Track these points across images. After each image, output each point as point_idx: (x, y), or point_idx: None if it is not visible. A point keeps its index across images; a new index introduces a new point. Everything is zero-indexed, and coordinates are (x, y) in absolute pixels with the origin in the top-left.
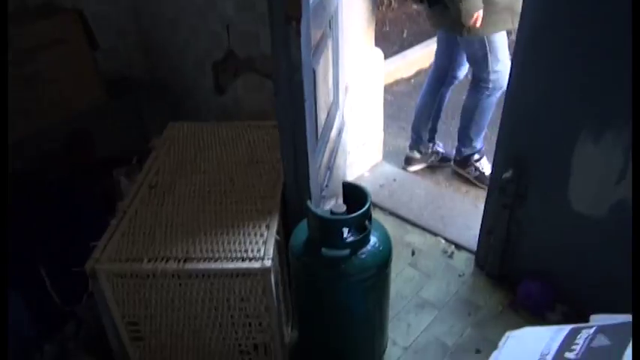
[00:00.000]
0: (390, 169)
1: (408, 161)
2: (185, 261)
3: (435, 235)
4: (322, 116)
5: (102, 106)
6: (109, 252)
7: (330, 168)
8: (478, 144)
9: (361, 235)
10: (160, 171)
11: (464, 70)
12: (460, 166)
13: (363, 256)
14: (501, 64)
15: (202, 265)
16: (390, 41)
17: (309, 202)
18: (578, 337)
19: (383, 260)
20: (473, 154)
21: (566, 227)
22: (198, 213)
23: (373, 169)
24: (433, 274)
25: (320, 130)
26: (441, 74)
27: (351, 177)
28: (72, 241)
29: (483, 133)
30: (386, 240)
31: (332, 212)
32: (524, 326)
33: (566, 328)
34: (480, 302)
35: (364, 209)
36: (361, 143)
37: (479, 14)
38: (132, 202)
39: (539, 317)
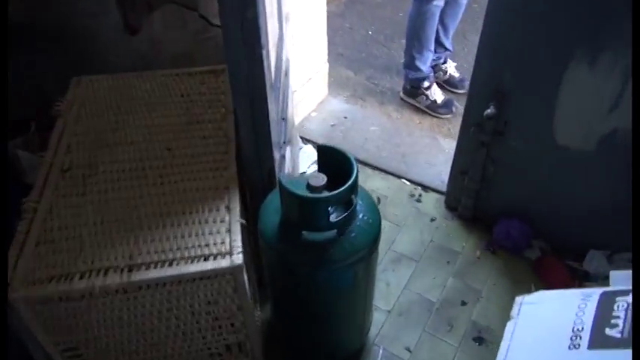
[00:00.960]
0: (339, 105)
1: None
2: (130, 270)
3: (399, 177)
4: (273, 58)
5: None
6: (23, 271)
7: (284, 118)
8: (424, 67)
9: (348, 211)
10: (72, 147)
11: None
12: (410, 96)
13: (353, 234)
14: None
15: (154, 273)
16: None
17: (282, 177)
18: (615, 307)
19: (374, 235)
20: (421, 80)
21: (548, 163)
22: (135, 200)
23: (320, 107)
24: (403, 222)
25: (273, 77)
26: None
27: (298, 119)
28: None
29: (429, 56)
30: (374, 210)
31: (309, 185)
32: (504, 267)
33: (593, 295)
34: (456, 248)
35: (352, 181)
36: (306, 79)
37: None
38: (42, 195)
39: (517, 255)
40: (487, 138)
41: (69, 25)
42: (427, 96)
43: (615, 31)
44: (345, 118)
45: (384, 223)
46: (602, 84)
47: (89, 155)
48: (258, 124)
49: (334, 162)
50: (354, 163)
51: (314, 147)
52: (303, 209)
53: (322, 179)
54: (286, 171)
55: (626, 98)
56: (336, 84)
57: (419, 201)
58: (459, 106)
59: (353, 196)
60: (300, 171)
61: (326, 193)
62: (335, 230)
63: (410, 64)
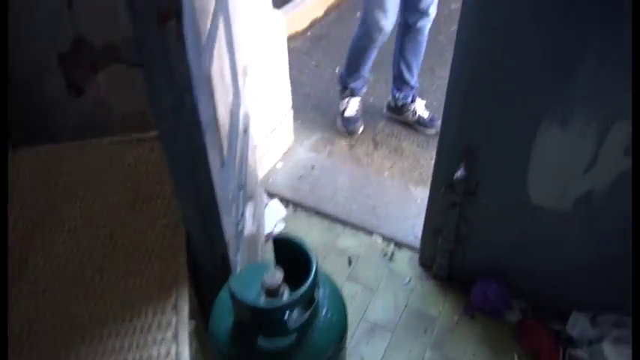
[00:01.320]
0: (306, 153)
1: None
2: None
3: (370, 233)
4: (225, 127)
5: None
6: None
7: (242, 186)
8: (352, 85)
9: (309, 310)
10: None
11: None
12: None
13: (316, 335)
14: (372, 13)
15: None
16: None
17: (232, 284)
18: None
19: (340, 333)
20: (343, 88)
21: (523, 223)
22: (69, 304)
23: (287, 157)
24: (376, 285)
25: (225, 147)
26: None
27: (263, 171)
28: None
29: (359, 78)
30: (339, 303)
31: (264, 285)
32: (484, 333)
33: None
34: (433, 312)
35: (310, 281)
36: (270, 130)
37: None
38: None
39: (497, 319)
40: (459, 198)
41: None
42: (341, 104)
43: (586, 92)
44: (313, 168)
45: (356, 287)
46: (576, 144)
47: (19, 249)
48: (204, 208)
49: (292, 251)
50: (313, 257)
51: (280, 202)
52: (257, 317)
53: (278, 277)
54: (247, 232)
55: (602, 158)
56: (302, 127)
57: (391, 260)
58: (360, 129)
59: (314, 293)
60: (267, 230)
61: (283, 296)
62: (294, 335)
63: (341, 75)
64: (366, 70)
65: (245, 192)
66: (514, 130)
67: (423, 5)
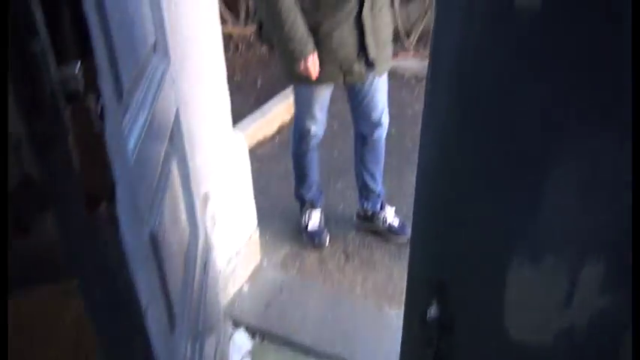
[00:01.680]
0: (274, 273)
1: None
2: None
3: None
4: (179, 273)
5: None
6: None
7: (199, 334)
8: (307, 195)
9: None
10: None
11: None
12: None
13: None
14: (303, 119)
15: None
16: (244, 93)
17: None
18: None
19: None
20: (301, 201)
21: (506, 357)
22: None
23: (253, 279)
24: None
25: (177, 300)
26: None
27: (227, 297)
28: None
29: (312, 186)
30: None
31: None
32: None
33: None
34: None
35: None
36: (234, 253)
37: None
38: None
39: None
40: (434, 335)
41: None
42: (303, 219)
43: (552, 229)
44: (281, 291)
45: None
46: (549, 283)
47: None
48: None
49: None
50: None
51: (246, 332)
52: None
53: None
54: None
55: (578, 298)
56: (270, 242)
57: None
58: (327, 239)
59: None
60: None
61: None
62: None
63: (296, 190)
64: (316, 175)
65: (203, 337)
66: (484, 265)
67: (374, 117)
